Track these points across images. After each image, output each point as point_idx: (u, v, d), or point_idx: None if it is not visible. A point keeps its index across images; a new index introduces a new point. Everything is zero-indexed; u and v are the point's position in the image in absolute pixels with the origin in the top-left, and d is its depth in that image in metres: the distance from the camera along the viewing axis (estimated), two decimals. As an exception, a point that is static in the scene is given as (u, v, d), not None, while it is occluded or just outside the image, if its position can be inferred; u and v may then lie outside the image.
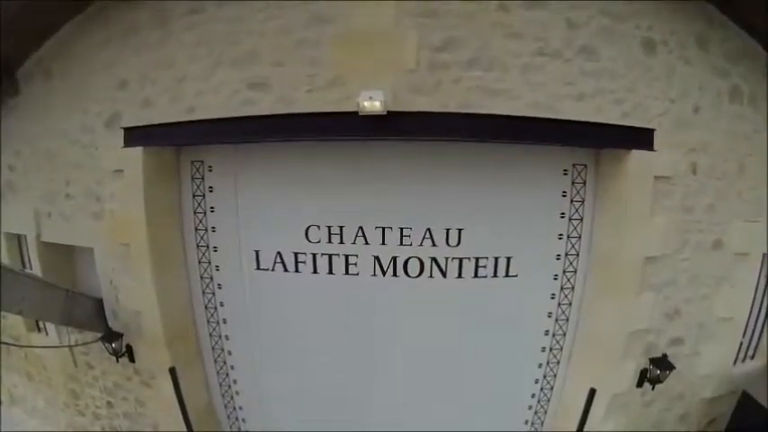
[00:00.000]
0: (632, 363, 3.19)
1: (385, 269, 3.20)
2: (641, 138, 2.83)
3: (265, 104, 2.68)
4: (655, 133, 2.84)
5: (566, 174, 3.07)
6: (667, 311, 3.18)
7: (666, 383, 3.30)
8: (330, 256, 3.20)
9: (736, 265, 3.31)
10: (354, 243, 3.15)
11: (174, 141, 2.97)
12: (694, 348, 3.40)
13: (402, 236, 3.11)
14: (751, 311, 3.56)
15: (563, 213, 3.12)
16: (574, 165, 3.06)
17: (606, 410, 3.28)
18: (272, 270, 3.28)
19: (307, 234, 3.17)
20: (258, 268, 3.30)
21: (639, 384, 3.29)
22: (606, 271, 3.07)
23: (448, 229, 3.09)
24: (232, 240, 3.29)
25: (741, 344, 3.65)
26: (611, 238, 3.01)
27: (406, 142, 2.88)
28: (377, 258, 3.18)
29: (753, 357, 3.82)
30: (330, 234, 3.15)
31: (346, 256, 3.20)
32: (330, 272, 3.23)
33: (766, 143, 3.20)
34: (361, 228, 3.12)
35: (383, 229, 3.11)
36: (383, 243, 3.13)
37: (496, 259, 3.16)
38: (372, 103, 2.43)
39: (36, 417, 4.45)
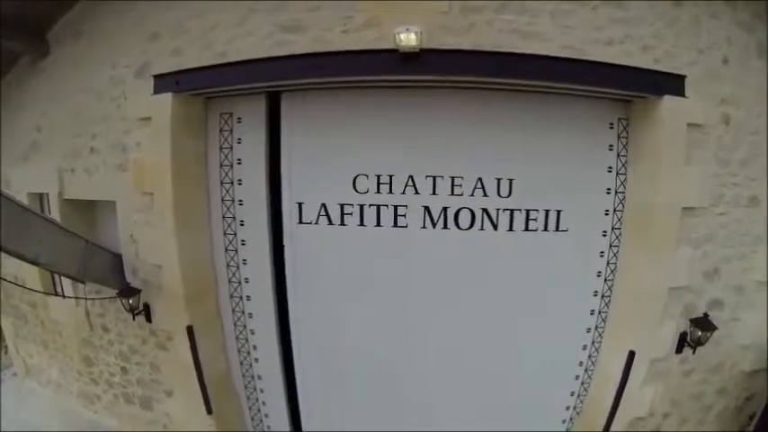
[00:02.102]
0: (671, 324, 3.02)
1: (435, 221, 3.07)
2: (673, 83, 2.78)
3: (299, 46, 2.63)
4: (685, 81, 2.79)
5: (612, 127, 3.00)
6: (706, 270, 3.03)
7: (705, 351, 3.12)
8: (378, 207, 3.07)
9: (772, 225, 3.17)
10: (404, 193, 3.03)
11: (204, 85, 2.91)
12: (734, 314, 3.21)
13: (453, 185, 3.01)
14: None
15: (610, 167, 3.03)
16: (619, 119, 2.99)
17: (645, 377, 3.08)
18: (316, 223, 3.13)
19: (354, 184, 3.05)
20: (300, 222, 3.15)
21: (679, 350, 3.10)
22: (643, 223, 2.94)
23: (499, 179, 2.99)
24: (258, 194, 3.18)
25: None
26: (646, 188, 2.90)
27: (456, 90, 2.83)
28: (427, 209, 3.06)
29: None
30: (379, 184, 3.03)
31: (395, 207, 3.06)
32: (378, 224, 3.08)
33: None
34: (411, 177, 3.01)
35: (434, 178, 3.00)
36: (434, 193, 3.02)
37: (547, 212, 3.05)
38: (408, 36, 2.41)
39: (50, 387, 4.28)
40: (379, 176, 3.02)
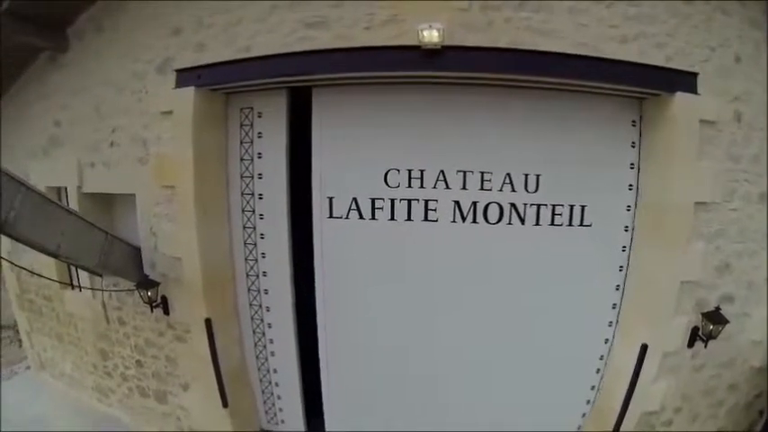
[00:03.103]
0: (683, 318, 3.10)
1: (465, 215, 3.16)
2: (685, 81, 2.87)
3: (323, 42, 2.73)
4: (698, 79, 2.88)
5: (634, 125, 3.10)
6: (717, 264, 3.11)
7: (716, 347, 3.20)
8: (409, 202, 3.15)
9: (783, 222, 3.26)
10: (435, 188, 3.12)
11: (226, 79, 3.00)
12: (744, 309, 3.29)
13: (483, 180, 3.10)
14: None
15: (632, 164, 3.13)
16: (641, 116, 3.10)
17: (657, 371, 3.16)
18: (347, 218, 3.20)
19: (386, 178, 3.13)
20: (331, 216, 3.22)
21: (690, 344, 3.19)
22: (657, 217, 3.04)
23: (527, 175, 3.09)
24: (279, 188, 3.27)
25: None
26: (660, 183, 3.00)
27: (484, 87, 2.93)
28: (457, 203, 3.15)
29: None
30: (410, 178, 3.11)
31: (426, 202, 3.15)
32: (408, 218, 3.17)
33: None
34: (442, 171, 3.09)
35: (464, 173, 3.09)
36: (464, 188, 3.11)
37: (572, 207, 3.15)
38: (431, 33, 2.51)
39: (63, 380, 4.35)
40: (410, 171, 3.10)
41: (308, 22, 2.77)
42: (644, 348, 3.11)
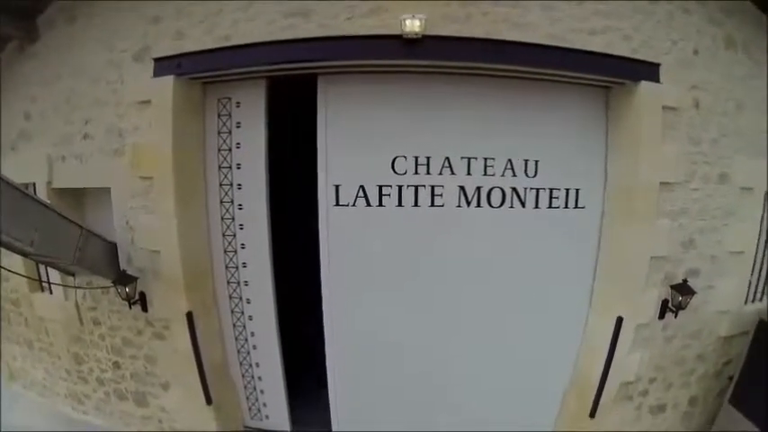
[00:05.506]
0: (654, 291, 3.47)
1: (469, 199, 3.42)
2: (649, 70, 3.25)
3: (305, 31, 2.92)
4: (660, 69, 3.27)
5: None
6: (683, 240, 3.50)
7: (684, 318, 3.60)
8: (416, 188, 3.37)
9: (742, 200, 3.69)
10: (441, 174, 3.36)
11: (207, 68, 3.12)
12: (708, 281, 3.70)
13: (486, 166, 3.38)
14: (757, 250, 3.94)
15: None
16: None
17: (632, 343, 3.51)
18: (353, 205, 3.39)
19: (393, 165, 3.34)
20: (337, 204, 3.38)
21: (662, 316, 3.56)
22: (626, 197, 3.40)
23: (527, 160, 3.40)
24: (258, 178, 3.42)
25: (750, 282, 4.03)
26: (627, 165, 3.36)
27: (490, 77, 3.21)
28: (462, 189, 3.40)
29: (761, 298, 4.19)
30: (417, 165, 3.33)
31: (432, 187, 3.38)
32: (416, 204, 3.38)
33: (766, 88, 3.69)
34: (447, 158, 3.33)
35: (469, 159, 3.35)
36: (468, 173, 3.37)
37: (567, 191, 3.49)
38: (413, 22, 2.76)
39: (34, 389, 4.30)
40: (417, 158, 3.33)
41: (289, 12, 2.96)
42: (619, 321, 3.45)
